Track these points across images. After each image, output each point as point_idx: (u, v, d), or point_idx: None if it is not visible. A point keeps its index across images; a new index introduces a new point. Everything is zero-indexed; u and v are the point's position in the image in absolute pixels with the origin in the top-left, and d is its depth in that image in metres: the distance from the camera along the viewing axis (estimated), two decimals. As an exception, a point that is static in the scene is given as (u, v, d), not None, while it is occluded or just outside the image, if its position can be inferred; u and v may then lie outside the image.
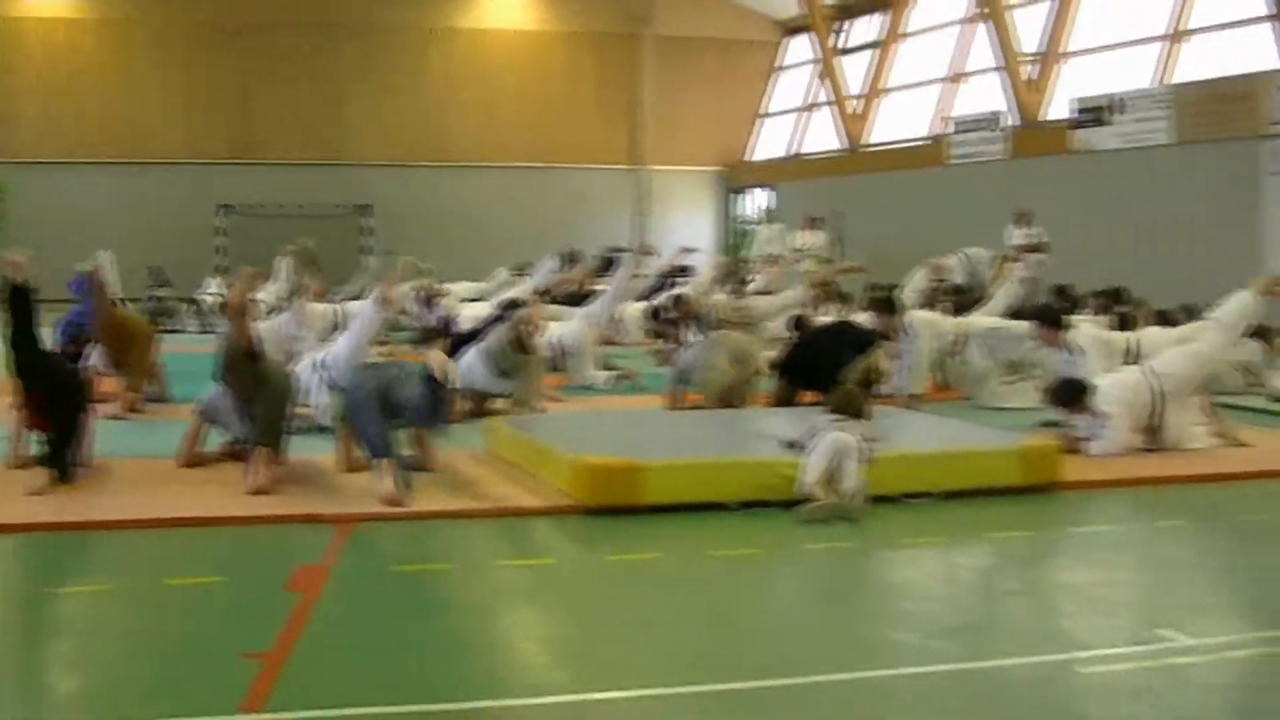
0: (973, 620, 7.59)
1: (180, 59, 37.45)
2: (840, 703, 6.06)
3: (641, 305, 22.72)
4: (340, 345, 13.01)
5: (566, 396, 15.70)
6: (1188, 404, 12.70)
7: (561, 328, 17.23)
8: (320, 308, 18.33)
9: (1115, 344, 14.17)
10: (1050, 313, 14.46)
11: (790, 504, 9.63)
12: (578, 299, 20.03)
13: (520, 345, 14.08)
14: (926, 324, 15.43)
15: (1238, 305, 12.96)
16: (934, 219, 31.01)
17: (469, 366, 14.06)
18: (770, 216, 34.97)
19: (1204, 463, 11.89)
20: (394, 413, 10.36)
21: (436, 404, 10.42)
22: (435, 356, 10.60)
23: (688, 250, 26.45)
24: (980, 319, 16.03)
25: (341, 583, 7.98)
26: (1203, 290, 17.20)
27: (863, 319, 16.13)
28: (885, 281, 20.78)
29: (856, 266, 21.93)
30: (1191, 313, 17.07)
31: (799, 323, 16.47)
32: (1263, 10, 24.34)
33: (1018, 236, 25.59)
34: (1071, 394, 12.46)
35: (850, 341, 14.62)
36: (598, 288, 19.50)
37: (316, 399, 12.72)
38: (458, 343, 15.54)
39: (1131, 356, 13.81)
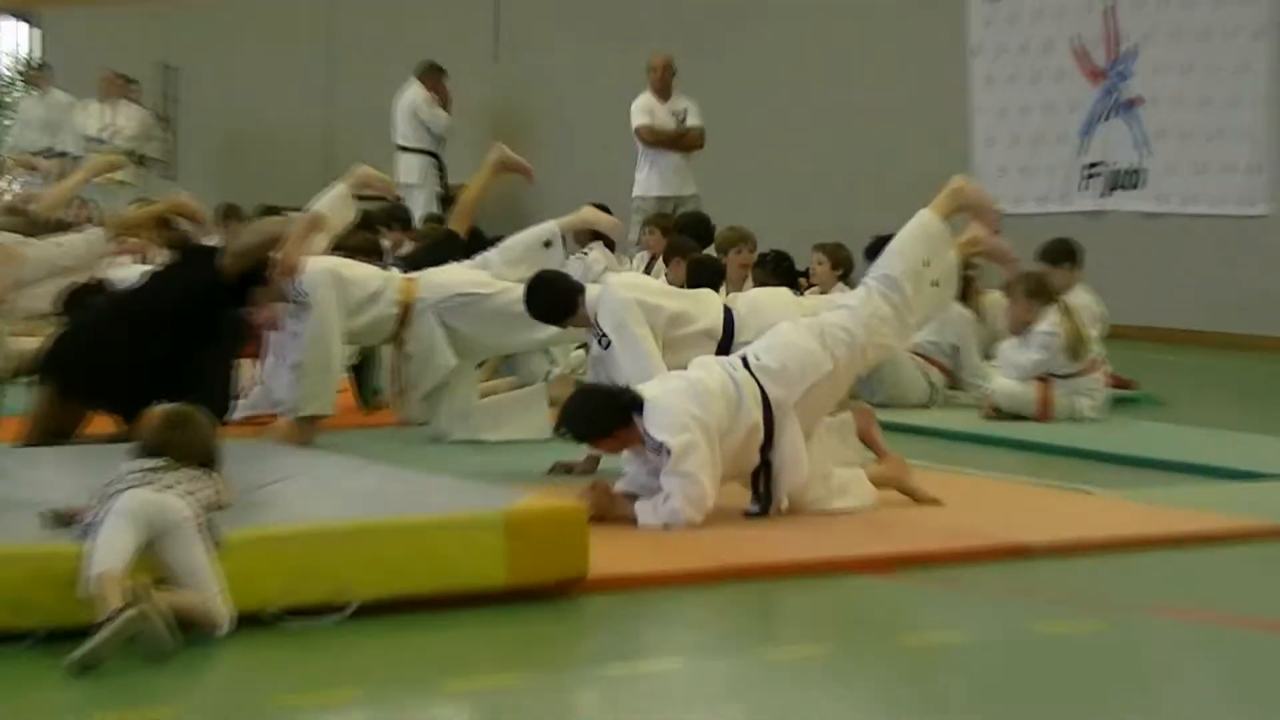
0: None
1: None
2: None
3: None
4: None
5: None
6: (825, 428, 8.84)
7: None
8: None
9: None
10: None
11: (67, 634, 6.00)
12: None
13: None
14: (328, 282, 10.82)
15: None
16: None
17: None
18: (34, 72, 27.35)
19: (844, 538, 7.99)
20: None
21: None
22: None
23: None
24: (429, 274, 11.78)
25: None
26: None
27: None
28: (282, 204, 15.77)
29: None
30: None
31: (73, 298, 11.97)
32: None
33: None
34: (599, 415, 8.53)
35: (159, 319, 10.16)
36: None
37: None
38: None
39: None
